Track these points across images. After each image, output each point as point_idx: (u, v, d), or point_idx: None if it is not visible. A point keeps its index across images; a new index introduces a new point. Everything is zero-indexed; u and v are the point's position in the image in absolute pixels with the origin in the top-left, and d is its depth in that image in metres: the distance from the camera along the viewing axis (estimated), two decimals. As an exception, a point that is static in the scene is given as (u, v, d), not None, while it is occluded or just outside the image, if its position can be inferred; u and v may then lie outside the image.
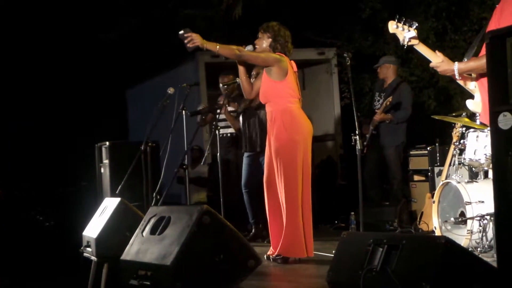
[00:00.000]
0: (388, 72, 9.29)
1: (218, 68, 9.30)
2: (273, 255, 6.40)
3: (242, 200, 8.36)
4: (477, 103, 4.95)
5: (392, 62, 9.40)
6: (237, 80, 7.51)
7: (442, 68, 4.86)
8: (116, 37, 14.22)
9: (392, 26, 4.95)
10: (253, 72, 7.71)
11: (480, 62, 4.61)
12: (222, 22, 12.26)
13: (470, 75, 4.95)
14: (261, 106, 7.29)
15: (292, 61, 6.60)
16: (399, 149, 9.20)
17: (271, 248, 6.55)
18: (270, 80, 6.46)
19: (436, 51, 4.93)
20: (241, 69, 6.70)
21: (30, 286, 7.31)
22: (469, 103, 5.04)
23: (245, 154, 8.24)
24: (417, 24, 4.91)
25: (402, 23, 4.89)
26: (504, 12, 4.42)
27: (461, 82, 4.96)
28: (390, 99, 8.83)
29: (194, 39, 6.08)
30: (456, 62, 4.80)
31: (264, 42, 6.56)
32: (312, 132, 6.55)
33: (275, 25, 6.58)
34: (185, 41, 6.10)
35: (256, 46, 6.57)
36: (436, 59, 4.88)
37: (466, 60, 4.93)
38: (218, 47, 6.21)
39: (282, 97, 6.42)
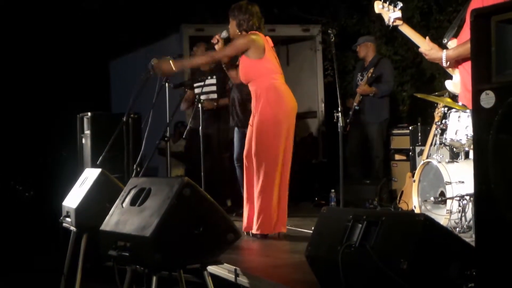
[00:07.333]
0: (368, 50, 9.39)
1: (202, 42, 9.26)
2: (252, 231, 6.42)
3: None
4: (456, 84, 4.99)
5: (371, 40, 9.51)
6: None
7: (431, 56, 4.95)
8: (100, 6, 14.09)
9: (378, 6, 5.01)
10: None
11: (467, 47, 4.62)
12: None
13: None
14: None
15: (268, 37, 6.59)
16: (382, 126, 9.25)
17: (244, 222, 6.57)
18: (249, 60, 6.44)
19: (427, 38, 4.97)
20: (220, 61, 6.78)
21: (9, 256, 7.31)
22: (448, 84, 5.09)
23: (236, 128, 8.24)
24: (401, 4, 4.94)
25: (387, 3, 4.91)
26: None
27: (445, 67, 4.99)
28: (371, 70, 8.94)
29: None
30: (444, 50, 4.86)
31: (232, 25, 6.60)
32: (296, 109, 6.53)
33: (237, 5, 6.61)
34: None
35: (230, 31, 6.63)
36: (425, 46, 4.95)
37: (445, 40, 4.98)
38: (185, 63, 6.44)
39: (264, 74, 6.41)
